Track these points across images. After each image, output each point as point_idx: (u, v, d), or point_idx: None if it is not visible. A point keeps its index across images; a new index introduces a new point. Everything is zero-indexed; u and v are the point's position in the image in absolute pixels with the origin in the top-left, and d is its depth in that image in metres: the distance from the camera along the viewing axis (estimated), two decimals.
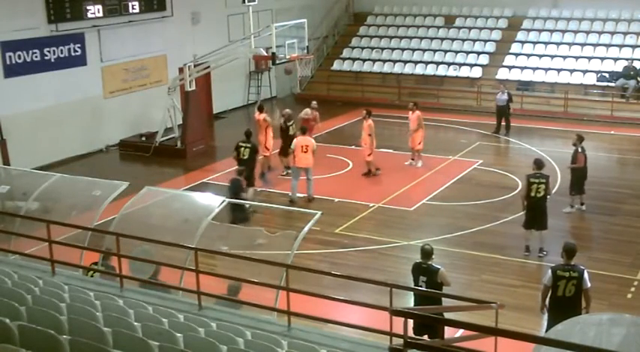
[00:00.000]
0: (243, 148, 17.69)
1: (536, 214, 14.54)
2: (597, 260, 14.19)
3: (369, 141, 19.44)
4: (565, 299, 10.32)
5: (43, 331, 6.61)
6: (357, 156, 21.22)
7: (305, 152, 17.76)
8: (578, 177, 16.73)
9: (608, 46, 27.76)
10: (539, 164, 14.70)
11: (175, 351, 6.67)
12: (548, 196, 14.56)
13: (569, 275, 10.29)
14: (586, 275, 10.38)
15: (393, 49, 30.49)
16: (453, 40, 30.17)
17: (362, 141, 19.78)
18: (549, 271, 10.55)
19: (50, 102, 21.29)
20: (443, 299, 10.27)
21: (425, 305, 10.05)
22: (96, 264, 11.07)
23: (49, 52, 21.18)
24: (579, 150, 16.65)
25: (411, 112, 20.34)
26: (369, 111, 19.68)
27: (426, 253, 10.73)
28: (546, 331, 10.11)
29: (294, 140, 18.26)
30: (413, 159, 20.58)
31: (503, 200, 17.78)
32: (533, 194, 14.44)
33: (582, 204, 16.92)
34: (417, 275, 10.73)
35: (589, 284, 10.39)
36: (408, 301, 11.10)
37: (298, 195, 17.94)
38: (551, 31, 29.04)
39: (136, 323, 7.43)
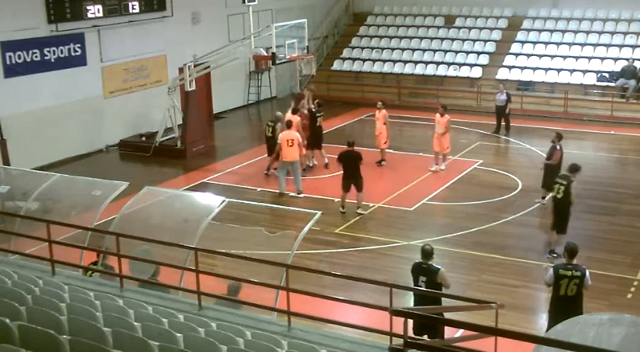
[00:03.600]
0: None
1: (555, 215, 14.56)
2: (597, 260, 14.18)
3: (385, 130, 20.28)
4: (567, 299, 10.34)
5: (43, 331, 6.60)
6: None
7: (291, 146, 18.09)
8: (551, 172, 16.69)
9: (608, 46, 27.76)
10: (571, 168, 14.70)
11: (175, 351, 6.67)
12: (572, 199, 14.38)
13: (571, 275, 10.31)
14: (588, 274, 10.43)
15: (393, 49, 30.49)
16: (453, 40, 30.17)
17: (377, 130, 20.49)
18: (551, 270, 10.58)
19: (50, 102, 21.29)
20: (443, 299, 10.28)
21: (425, 305, 10.05)
22: (95, 263, 11.06)
23: (49, 52, 21.18)
24: (557, 147, 16.83)
25: (439, 115, 20.08)
26: (384, 102, 20.83)
27: (427, 253, 10.73)
28: (547, 330, 10.13)
29: (280, 134, 18.58)
30: (437, 164, 20.10)
31: (503, 200, 17.79)
32: (554, 194, 14.62)
33: (543, 198, 17.07)
34: (416, 275, 10.72)
35: (589, 283, 10.47)
36: (408, 301, 11.09)
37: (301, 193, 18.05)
38: (551, 31, 29.05)
39: (136, 323, 7.42)
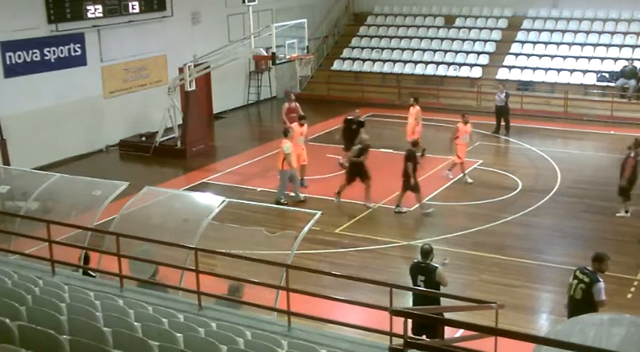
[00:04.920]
0: None
1: None
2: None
3: (414, 125, 20.63)
4: (574, 300, 10.36)
5: (43, 331, 6.60)
6: None
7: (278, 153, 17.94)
8: (627, 180, 16.30)
9: (608, 46, 27.77)
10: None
11: (175, 351, 6.66)
12: None
13: (581, 278, 10.31)
14: (599, 287, 10.10)
15: (393, 49, 30.50)
16: (453, 40, 30.18)
17: (409, 126, 20.87)
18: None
19: (50, 102, 21.30)
20: (442, 298, 10.28)
21: (424, 305, 10.05)
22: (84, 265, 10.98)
23: (49, 52, 21.19)
24: (632, 154, 16.24)
25: (461, 124, 19.36)
26: (416, 98, 21.33)
27: (425, 252, 10.75)
28: None
29: None
30: (450, 170, 19.51)
31: (503, 200, 17.79)
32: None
33: (627, 211, 16.58)
34: (415, 274, 10.74)
35: (603, 297, 10.10)
36: (408, 301, 11.09)
37: (302, 194, 18.16)
38: (551, 31, 29.06)
39: (136, 323, 7.42)
